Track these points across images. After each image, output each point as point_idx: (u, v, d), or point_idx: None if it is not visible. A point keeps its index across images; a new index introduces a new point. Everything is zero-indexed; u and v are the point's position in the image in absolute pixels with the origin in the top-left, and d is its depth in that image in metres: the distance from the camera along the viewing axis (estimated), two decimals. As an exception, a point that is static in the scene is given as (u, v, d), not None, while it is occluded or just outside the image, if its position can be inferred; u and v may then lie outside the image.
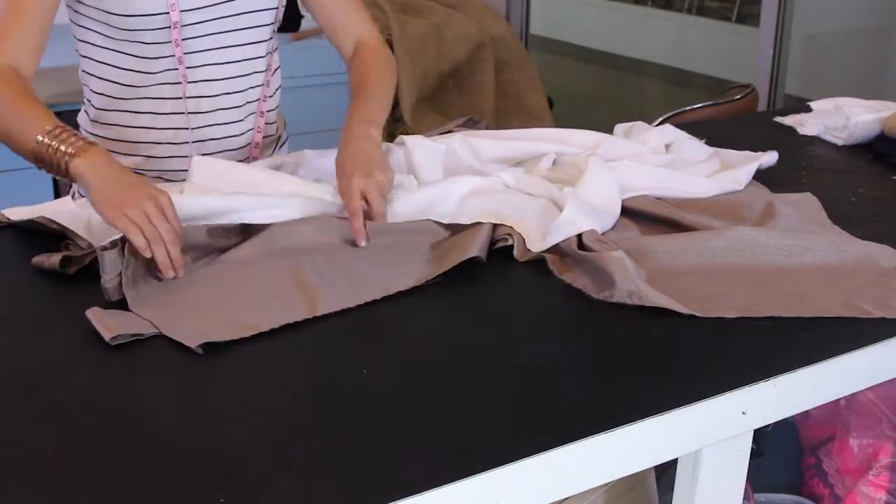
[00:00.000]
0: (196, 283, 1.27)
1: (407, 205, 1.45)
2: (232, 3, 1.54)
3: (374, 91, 1.58)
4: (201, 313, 1.20)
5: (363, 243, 1.35)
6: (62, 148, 1.31)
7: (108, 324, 1.15)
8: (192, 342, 1.13)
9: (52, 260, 1.29)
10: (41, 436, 0.97)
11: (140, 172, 1.61)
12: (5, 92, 1.40)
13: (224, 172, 1.46)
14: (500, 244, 1.40)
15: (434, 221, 1.44)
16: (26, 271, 1.31)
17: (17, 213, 1.45)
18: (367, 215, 1.39)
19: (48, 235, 1.39)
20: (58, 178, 1.37)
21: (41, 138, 1.32)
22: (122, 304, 1.21)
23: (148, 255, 1.24)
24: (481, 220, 1.42)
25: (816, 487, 1.71)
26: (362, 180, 1.39)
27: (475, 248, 1.35)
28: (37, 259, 1.31)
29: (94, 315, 1.16)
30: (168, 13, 1.49)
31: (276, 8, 1.60)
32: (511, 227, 1.41)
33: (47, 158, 1.33)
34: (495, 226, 1.42)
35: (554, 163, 1.65)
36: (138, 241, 1.24)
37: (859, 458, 1.66)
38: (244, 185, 1.43)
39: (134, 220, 1.25)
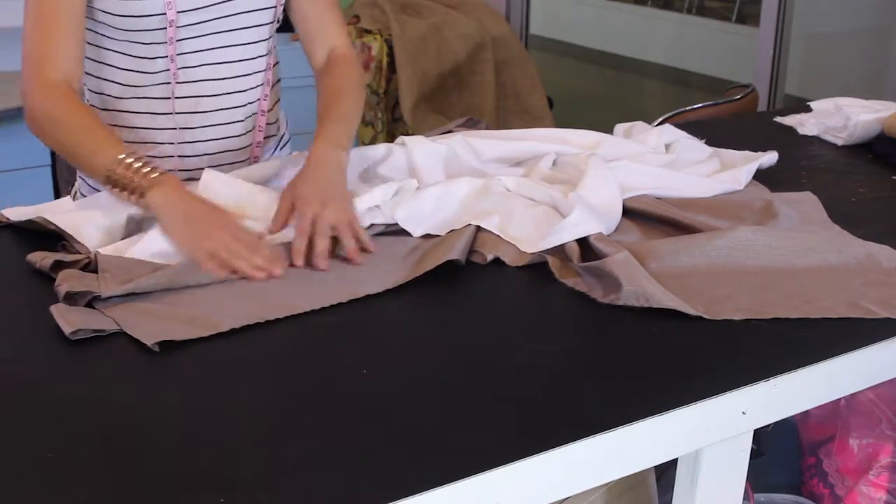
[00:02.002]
0: (160, 283, 1.26)
1: (409, 210, 1.45)
2: (229, 3, 1.53)
3: (343, 113, 1.56)
4: (161, 311, 1.20)
5: (279, 271, 1.29)
6: (136, 179, 1.35)
7: (69, 319, 1.16)
8: (149, 340, 1.13)
9: (44, 262, 1.30)
10: (41, 436, 0.97)
11: None
12: (72, 112, 1.42)
13: (229, 189, 1.45)
14: (477, 256, 1.38)
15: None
16: (25, 271, 1.31)
17: (16, 213, 1.45)
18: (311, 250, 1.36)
19: (47, 235, 1.39)
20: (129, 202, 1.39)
21: (115, 168, 1.36)
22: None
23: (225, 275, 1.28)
24: (472, 223, 1.42)
25: (816, 487, 1.71)
26: (333, 213, 1.37)
27: (455, 250, 1.34)
28: (30, 257, 1.32)
29: (58, 311, 1.18)
30: (164, 13, 1.49)
31: (275, 7, 1.60)
32: (499, 236, 1.40)
33: (120, 186, 1.36)
34: (478, 233, 1.41)
35: (554, 163, 1.65)
36: (218, 271, 1.27)
37: (859, 458, 1.66)
38: (245, 201, 1.43)
39: (210, 251, 1.28)
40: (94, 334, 1.15)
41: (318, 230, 1.35)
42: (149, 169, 1.36)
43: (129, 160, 1.36)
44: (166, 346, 1.13)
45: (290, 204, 1.40)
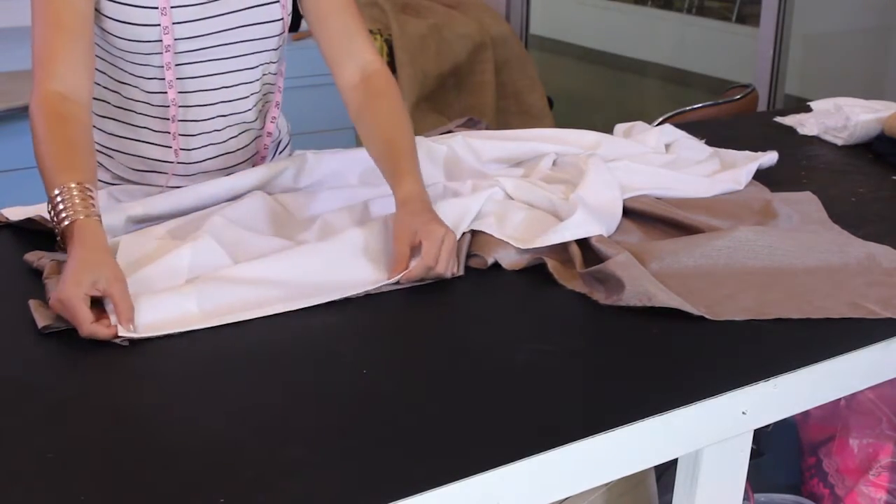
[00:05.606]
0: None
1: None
2: (229, 32, 1.50)
3: (412, 145, 1.47)
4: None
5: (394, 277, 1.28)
6: (62, 215, 1.22)
7: (44, 313, 1.17)
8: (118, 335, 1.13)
9: (41, 262, 1.30)
10: (41, 436, 0.97)
11: (120, 187, 1.58)
12: (51, 133, 1.29)
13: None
14: (477, 261, 1.37)
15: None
16: (25, 271, 1.31)
17: (16, 213, 1.45)
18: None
19: (46, 235, 1.39)
20: None
21: (49, 208, 1.24)
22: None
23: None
24: (467, 229, 1.41)
25: (816, 487, 1.71)
26: (453, 238, 1.32)
27: None
28: (28, 256, 1.32)
29: (34, 305, 1.19)
30: (161, 40, 1.45)
31: (280, 21, 1.55)
32: (497, 238, 1.39)
33: (52, 218, 1.24)
34: (475, 235, 1.40)
35: (554, 163, 1.65)
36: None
37: (859, 458, 1.66)
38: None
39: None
40: (66, 327, 1.15)
41: (446, 249, 1.31)
42: (65, 216, 1.21)
43: (57, 198, 1.22)
44: (166, 347, 1.13)
45: (410, 241, 1.31)
